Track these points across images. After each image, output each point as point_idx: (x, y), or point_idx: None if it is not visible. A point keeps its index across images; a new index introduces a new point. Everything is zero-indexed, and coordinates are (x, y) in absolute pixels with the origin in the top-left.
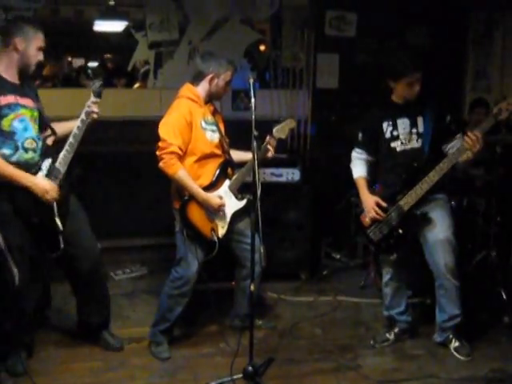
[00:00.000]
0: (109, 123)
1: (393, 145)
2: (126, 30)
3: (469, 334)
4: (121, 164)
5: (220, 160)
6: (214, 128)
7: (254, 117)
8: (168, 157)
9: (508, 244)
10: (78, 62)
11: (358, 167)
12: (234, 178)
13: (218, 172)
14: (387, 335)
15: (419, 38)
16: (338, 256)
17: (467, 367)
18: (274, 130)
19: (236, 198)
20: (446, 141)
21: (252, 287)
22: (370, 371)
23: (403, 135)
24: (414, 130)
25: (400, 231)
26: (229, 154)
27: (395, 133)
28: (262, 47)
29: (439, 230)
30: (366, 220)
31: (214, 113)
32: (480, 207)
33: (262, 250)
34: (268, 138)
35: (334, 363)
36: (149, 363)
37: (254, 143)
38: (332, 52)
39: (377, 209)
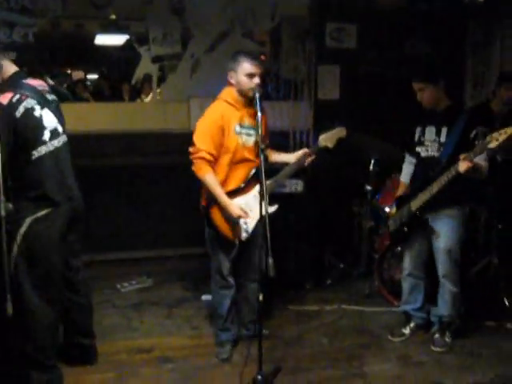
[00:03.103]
0: (114, 136)
1: (417, 149)
2: (127, 43)
3: (472, 341)
4: (126, 177)
5: (252, 165)
6: (251, 132)
7: (260, 130)
8: (197, 161)
9: (510, 251)
10: (77, 75)
11: (403, 171)
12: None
13: (248, 177)
14: (403, 330)
15: (418, 48)
16: (342, 265)
17: (472, 373)
18: (320, 138)
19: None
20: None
21: (260, 297)
22: (376, 378)
23: (428, 142)
24: (437, 139)
25: (405, 229)
26: (265, 159)
27: (422, 138)
28: (263, 58)
29: (441, 241)
30: (391, 211)
31: (255, 115)
32: (481, 215)
33: (269, 261)
34: (305, 150)
35: (341, 371)
36: (159, 373)
37: (261, 156)
38: (333, 63)
39: None
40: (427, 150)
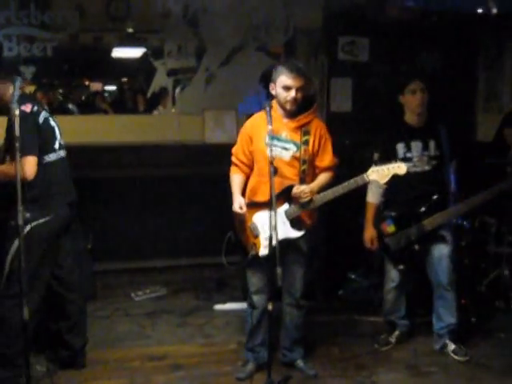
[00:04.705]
0: (130, 148)
1: None
2: (144, 56)
3: (483, 352)
4: (140, 188)
5: (287, 182)
6: (288, 146)
7: (270, 143)
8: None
9: None
10: (95, 86)
11: (371, 191)
12: (294, 207)
13: (278, 193)
14: (389, 339)
15: (431, 63)
16: (353, 276)
17: None
18: (370, 170)
19: (291, 226)
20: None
21: (270, 306)
22: None
23: (416, 157)
24: (425, 153)
25: (416, 247)
26: (303, 179)
27: (409, 154)
28: None
29: (445, 248)
30: (387, 229)
31: (300, 129)
32: (492, 227)
33: (278, 272)
34: (295, 189)
35: (350, 380)
36: (170, 380)
37: (272, 169)
38: (345, 76)
39: (370, 245)
40: (415, 166)
